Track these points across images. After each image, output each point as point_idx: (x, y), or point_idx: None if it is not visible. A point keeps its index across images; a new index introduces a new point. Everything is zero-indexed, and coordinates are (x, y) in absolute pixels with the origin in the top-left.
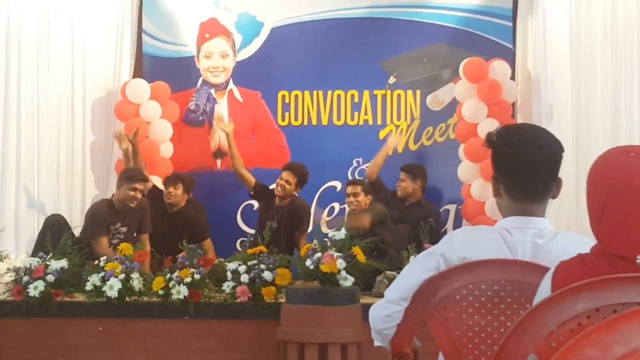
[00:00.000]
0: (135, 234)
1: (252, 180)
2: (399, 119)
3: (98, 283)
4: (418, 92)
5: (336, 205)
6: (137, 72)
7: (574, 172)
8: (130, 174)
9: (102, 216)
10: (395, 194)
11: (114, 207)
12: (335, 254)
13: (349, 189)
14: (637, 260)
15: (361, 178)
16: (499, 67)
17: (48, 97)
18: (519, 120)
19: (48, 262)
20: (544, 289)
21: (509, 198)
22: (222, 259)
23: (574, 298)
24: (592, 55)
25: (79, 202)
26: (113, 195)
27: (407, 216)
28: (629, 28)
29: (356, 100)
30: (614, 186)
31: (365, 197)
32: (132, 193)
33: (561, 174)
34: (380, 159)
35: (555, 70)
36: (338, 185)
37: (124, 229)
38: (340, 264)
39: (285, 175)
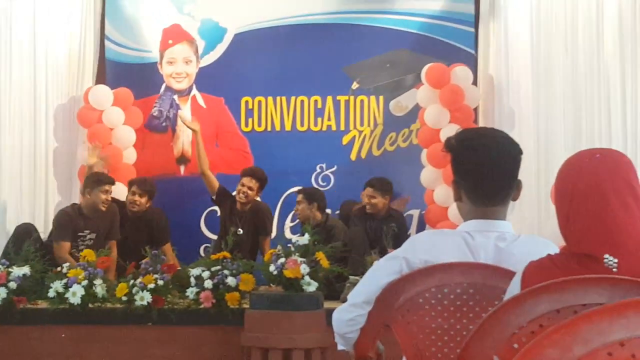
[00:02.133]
0: (104, 240)
1: (216, 183)
2: (362, 124)
3: (61, 290)
4: (381, 97)
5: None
6: (100, 78)
7: (535, 177)
8: (98, 178)
9: (69, 221)
10: (363, 208)
11: (83, 213)
12: (299, 260)
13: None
14: (605, 260)
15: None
16: (461, 73)
17: (10, 103)
18: (482, 125)
19: (10, 269)
20: (514, 290)
21: (470, 202)
22: (185, 265)
23: (535, 300)
24: (552, 60)
25: (42, 208)
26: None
27: (379, 229)
28: (589, 33)
29: (319, 105)
30: (579, 187)
31: (308, 205)
32: (103, 196)
33: (523, 179)
34: None
35: (517, 75)
36: None
37: (92, 236)
38: (304, 269)
39: (247, 181)
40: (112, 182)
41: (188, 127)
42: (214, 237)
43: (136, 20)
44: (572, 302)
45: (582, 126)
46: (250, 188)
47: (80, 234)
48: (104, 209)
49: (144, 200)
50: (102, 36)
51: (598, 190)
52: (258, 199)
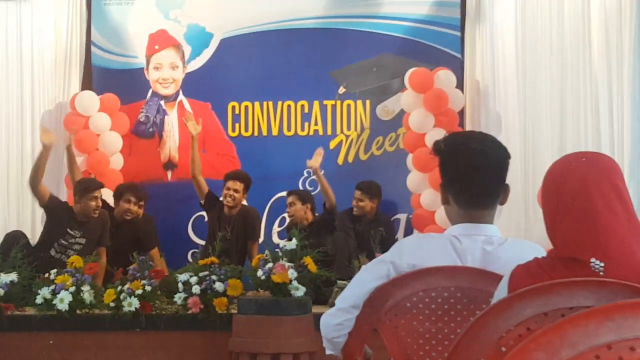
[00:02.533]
0: (94, 246)
1: (205, 188)
2: (349, 129)
3: (48, 296)
4: (368, 102)
5: (287, 216)
6: (86, 84)
7: (522, 181)
8: (86, 185)
9: (62, 208)
10: (350, 210)
11: (74, 214)
12: (287, 264)
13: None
14: (592, 263)
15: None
16: (444, 77)
17: None
18: (468, 129)
19: None
20: (501, 293)
21: (457, 205)
22: (173, 271)
23: (523, 303)
24: (539, 64)
25: (29, 215)
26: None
27: (366, 232)
28: (575, 37)
29: (306, 110)
30: (566, 191)
31: (302, 206)
32: (93, 203)
33: (509, 183)
34: (324, 185)
35: (503, 80)
36: None
37: (81, 241)
38: (292, 274)
39: (232, 184)
40: (101, 186)
41: (189, 129)
42: (202, 242)
43: (122, 26)
44: (560, 305)
45: (569, 130)
46: (236, 190)
47: (69, 231)
48: (95, 215)
49: (141, 210)
50: (88, 42)
51: (584, 194)
52: (245, 202)
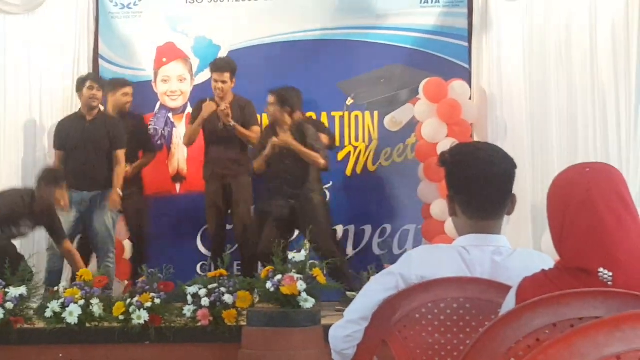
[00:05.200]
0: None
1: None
2: (357, 140)
3: (58, 309)
4: (376, 113)
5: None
6: None
7: (530, 190)
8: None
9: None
10: None
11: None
12: (296, 276)
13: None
14: (600, 273)
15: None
16: (458, 87)
17: (6, 124)
18: (475, 138)
19: (7, 290)
20: (509, 305)
21: (465, 216)
22: (182, 283)
23: (532, 314)
24: (546, 73)
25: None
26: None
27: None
28: (582, 46)
29: None
30: (571, 201)
31: (280, 109)
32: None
33: (518, 192)
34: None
35: (510, 89)
36: None
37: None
38: (301, 285)
39: (218, 76)
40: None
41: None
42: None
43: (130, 38)
44: (569, 315)
45: (578, 139)
46: (223, 81)
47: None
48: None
49: (100, 94)
50: (96, 55)
51: (590, 205)
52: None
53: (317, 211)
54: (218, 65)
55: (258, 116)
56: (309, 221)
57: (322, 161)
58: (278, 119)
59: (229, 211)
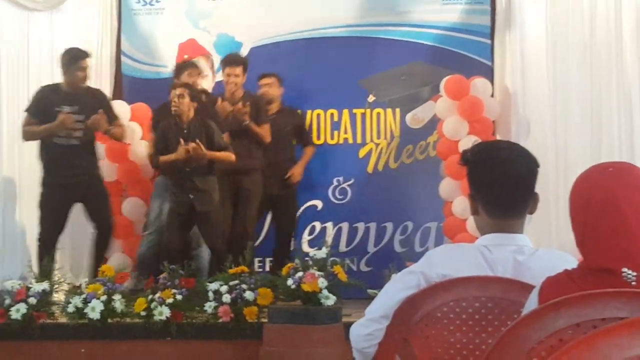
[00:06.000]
0: None
1: None
2: (378, 137)
3: (80, 305)
4: (397, 110)
5: (317, 225)
6: (117, 94)
7: (553, 189)
8: (73, 54)
9: (42, 96)
10: None
11: (62, 93)
12: (317, 273)
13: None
14: (623, 273)
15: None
16: (480, 85)
17: None
18: (498, 136)
19: (30, 285)
20: (531, 305)
21: (487, 215)
22: (203, 280)
23: (555, 314)
24: (569, 70)
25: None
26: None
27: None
28: (606, 43)
29: (335, 119)
30: (594, 202)
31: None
32: (80, 73)
33: (541, 191)
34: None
35: (533, 86)
36: (319, 204)
37: (80, 117)
38: (322, 283)
39: (231, 70)
40: (87, 56)
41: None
42: None
43: (152, 35)
44: (592, 316)
45: (602, 137)
46: (236, 75)
47: (57, 109)
48: (83, 85)
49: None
50: (119, 52)
51: (613, 204)
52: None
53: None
54: (231, 60)
55: None
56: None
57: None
58: (272, 97)
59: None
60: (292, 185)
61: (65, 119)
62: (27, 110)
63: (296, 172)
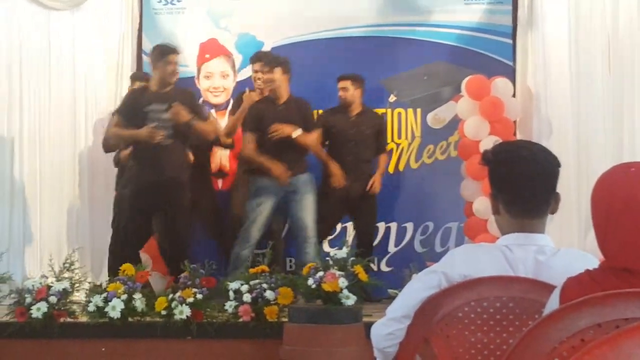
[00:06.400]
0: None
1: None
2: (399, 137)
3: (101, 304)
4: (419, 110)
5: (338, 225)
6: None
7: (575, 189)
8: (161, 50)
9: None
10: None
11: (149, 93)
12: (337, 273)
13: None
14: None
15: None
16: (501, 85)
17: (50, 120)
18: (519, 137)
19: (50, 284)
20: (553, 305)
21: (508, 215)
22: (223, 279)
23: (576, 314)
24: (592, 70)
25: (87, 225)
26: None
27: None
28: (629, 43)
29: None
30: (616, 202)
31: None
32: (170, 67)
33: (562, 191)
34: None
35: (555, 87)
36: None
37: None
38: (342, 282)
39: (259, 67)
40: (176, 52)
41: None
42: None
43: (173, 35)
44: (614, 316)
45: (624, 138)
46: (264, 71)
47: (146, 109)
48: (173, 80)
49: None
50: (140, 51)
51: (634, 204)
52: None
53: None
54: (256, 57)
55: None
56: None
57: None
58: (352, 102)
59: None
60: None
61: (152, 134)
62: (117, 111)
63: (376, 183)
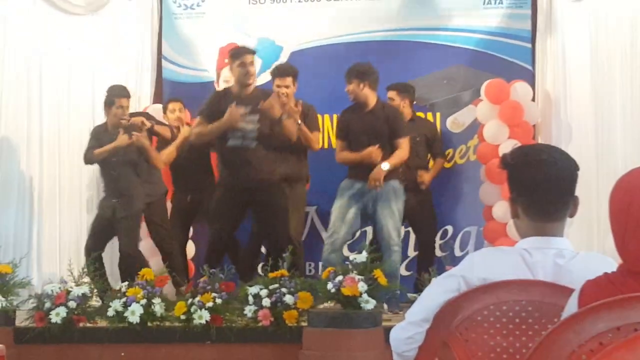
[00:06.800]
0: None
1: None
2: None
3: (120, 308)
4: (438, 114)
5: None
6: (157, 98)
7: (594, 192)
8: (236, 51)
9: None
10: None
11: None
12: (357, 277)
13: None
14: None
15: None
16: (520, 89)
17: (69, 125)
18: (539, 141)
19: (69, 288)
20: (571, 308)
21: (527, 218)
22: (243, 283)
23: (595, 317)
24: (612, 75)
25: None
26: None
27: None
28: None
29: None
30: (634, 204)
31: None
32: (242, 70)
33: (582, 195)
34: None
35: (575, 91)
36: None
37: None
38: (362, 287)
39: (281, 82)
40: (250, 53)
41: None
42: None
43: (193, 39)
44: (633, 319)
45: None
46: (286, 86)
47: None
48: (249, 82)
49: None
50: (159, 56)
51: None
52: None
53: None
54: (281, 70)
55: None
56: None
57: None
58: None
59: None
60: (428, 194)
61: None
62: (200, 113)
63: (426, 179)
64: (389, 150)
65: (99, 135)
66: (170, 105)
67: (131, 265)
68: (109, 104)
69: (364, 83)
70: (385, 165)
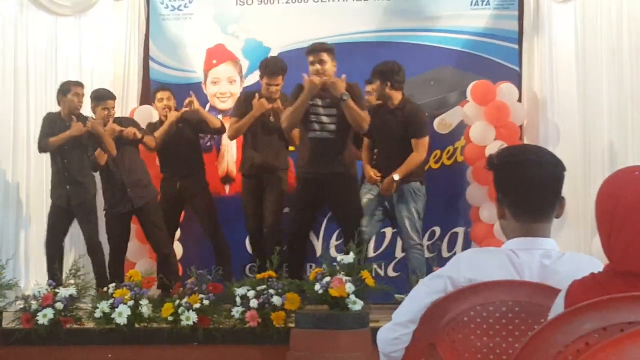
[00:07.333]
0: None
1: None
2: None
3: (107, 310)
4: (426, 115)
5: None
6: (145, 99)
7: (582, 193)
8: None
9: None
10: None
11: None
12: (344, 278)
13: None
14: None
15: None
16: (506, 90)
17: None
18: (527, 142)
19: (57, 290)
20: (558, 309)
21: (513, 219)
22: (231, 284)
23: (582, 318)
24: (598, 76)
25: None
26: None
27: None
28: (635, 48)
29: None
30: (620, 205)
31: (381, 85)
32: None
33: (569, 195)
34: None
35: (562, 92)
36: None
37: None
38: (349, 287)
39: (272, 80)
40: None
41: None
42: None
43: (180, 40)
44: (619, 319)
45: (629, 143)
46: (277, 85)
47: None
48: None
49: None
50: (146, 57)
51: (639, 208)
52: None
53: None
54: (271, 70)
55: None
56: None
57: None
58: (384, 96)
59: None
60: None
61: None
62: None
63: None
64: (407, 151)
65: (53, 124)
66: (159, 94)
67: (100, 251)
68: (63, 92)
69: (386, 83)
70: (396, 176)
